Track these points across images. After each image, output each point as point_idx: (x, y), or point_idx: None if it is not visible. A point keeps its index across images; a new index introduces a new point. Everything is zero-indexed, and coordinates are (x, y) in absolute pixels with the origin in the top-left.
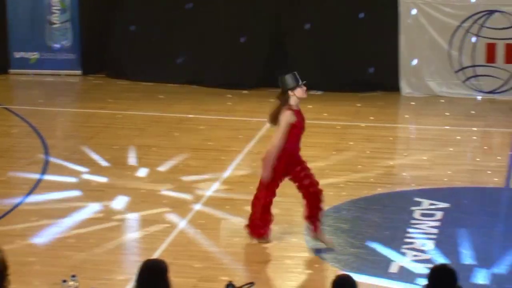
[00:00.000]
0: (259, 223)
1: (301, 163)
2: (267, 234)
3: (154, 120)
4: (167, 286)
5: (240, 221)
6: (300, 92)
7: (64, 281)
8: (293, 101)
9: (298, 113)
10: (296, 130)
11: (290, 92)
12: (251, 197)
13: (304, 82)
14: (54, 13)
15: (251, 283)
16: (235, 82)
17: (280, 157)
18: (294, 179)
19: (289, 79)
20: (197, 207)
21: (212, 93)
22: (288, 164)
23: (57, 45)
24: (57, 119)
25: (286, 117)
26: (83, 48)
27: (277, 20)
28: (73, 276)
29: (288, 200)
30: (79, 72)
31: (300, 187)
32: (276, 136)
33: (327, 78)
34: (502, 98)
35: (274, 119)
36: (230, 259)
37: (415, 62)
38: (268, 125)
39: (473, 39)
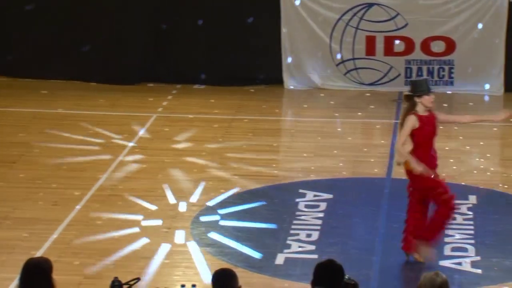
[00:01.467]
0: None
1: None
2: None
3: (37, 117)
4: (51, 285)
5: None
6: (426, 100)
7: None
8: (419, 107)
9: (424, 119)
10: (419, 137)
11: (416, 98)
12: (137, 193)
13: (431, 90)
14: None
15: (137, 279)
16: (118, 78)
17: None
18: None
19: (417, 85)
20: (82, 203)
21: (95, 89)
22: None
23: None
24: None
25: (409, 121)
26: None
27: (162, 15)
28: None
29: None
30: None
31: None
32: (398, 137)
33: (211, 72)
34: (382, 90)
35: (402, 123)
36: (115, 255)
37: (289, 60)
38: (152, 120)
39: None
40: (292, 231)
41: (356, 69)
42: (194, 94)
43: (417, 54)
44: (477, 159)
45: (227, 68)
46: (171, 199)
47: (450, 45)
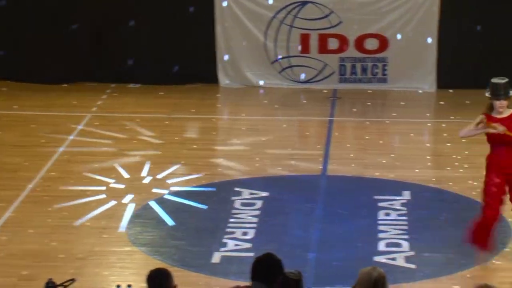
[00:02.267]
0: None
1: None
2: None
3: None
4: None
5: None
6: (496, 104)
7: None
8: (494, 109)
9: (493, 121)
10: (488, 138)
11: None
12: (67, 193)
13: (501, 95)
14: None
15: (72, 280)
16: (54, 77)
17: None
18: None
19: (491, 87)
20: (16, 204)
21: (30, 89)
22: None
23: None
24: None
25: (476, 119)
26: None
27: (97, 13)
28: None
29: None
30: None
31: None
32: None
33: (145, 71)
34: (317, 87)
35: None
36: (50, 256)
37: (225, 58)
38: (87, 119)
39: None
40: (228, 230)
41: (291, 67)
42: (129, 93)
43: (351, 51)
44: (411, 155)
45: (162, 66)
46: (113, 197)
47: (384, 43)
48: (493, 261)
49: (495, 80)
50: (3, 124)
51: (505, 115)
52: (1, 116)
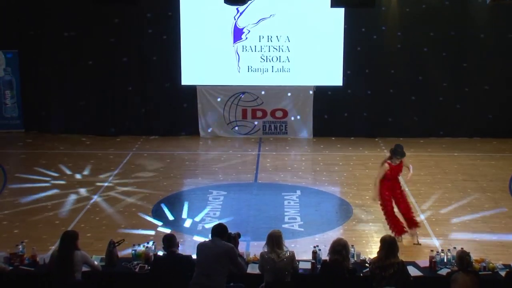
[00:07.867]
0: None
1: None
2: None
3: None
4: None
5: None
6: (395, 159)
7: None
8: (393, 160)
9: (393, 166)
10: (388, 175)
11: (392, 155)
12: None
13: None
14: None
15: (123, 240)
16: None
17: None
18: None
19: (394, 151)
20: (99, 192)
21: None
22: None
23: None
24: None
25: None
26: None
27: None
28: None
29: None
30: None
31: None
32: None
33: (166, 127)
34: (251, 137)
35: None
36: (110, 227)
37: (203, 120)
38: (129, 156)
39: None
40: (205, 211)
41: (237, 126)
42: (152, 141)
43: (269, 118)
44: (300, 170)
45: (168, 123)
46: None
47: (285, 113)
48: (343, 226)
49: (396, 147)
50: (79, 159)
51: (397, 163)
52: (81, 154)
